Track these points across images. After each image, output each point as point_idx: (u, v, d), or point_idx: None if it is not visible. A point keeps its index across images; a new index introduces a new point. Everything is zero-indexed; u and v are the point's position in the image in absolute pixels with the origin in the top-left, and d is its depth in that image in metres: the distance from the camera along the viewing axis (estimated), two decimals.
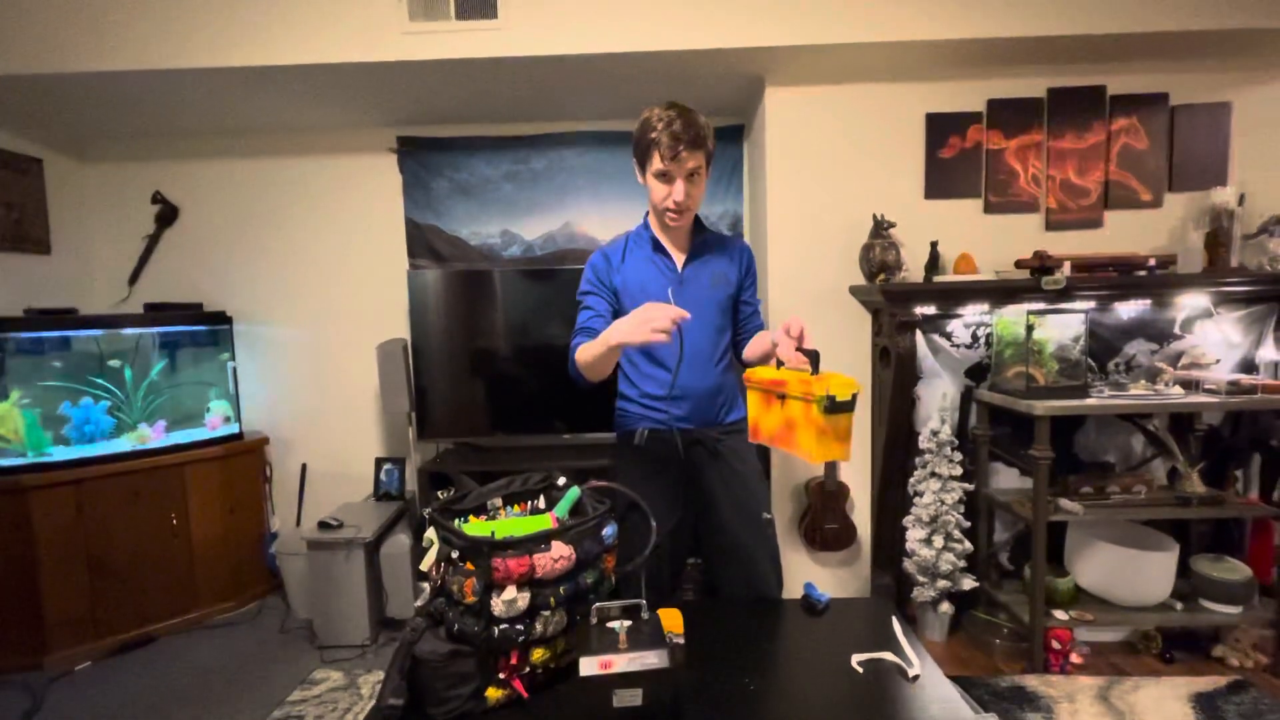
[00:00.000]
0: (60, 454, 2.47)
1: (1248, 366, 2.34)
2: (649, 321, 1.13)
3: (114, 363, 2.67)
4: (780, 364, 1.29)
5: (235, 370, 2.94)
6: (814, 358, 1.23)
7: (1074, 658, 2.13)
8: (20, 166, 2.74)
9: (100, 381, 2.64)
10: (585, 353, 1.34)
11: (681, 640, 1.17)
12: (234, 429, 2.89)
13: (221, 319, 2.92)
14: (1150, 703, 1.94)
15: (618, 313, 1.48)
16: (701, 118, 1.38)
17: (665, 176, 1.39)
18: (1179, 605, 2.17)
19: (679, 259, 1.51)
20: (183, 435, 2.77)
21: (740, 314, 1.57)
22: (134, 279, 3.03)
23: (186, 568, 2.67)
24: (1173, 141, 2.42)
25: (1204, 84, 2.41)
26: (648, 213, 1.54)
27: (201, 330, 2.91)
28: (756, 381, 1.31)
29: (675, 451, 1.48)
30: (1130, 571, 2.16)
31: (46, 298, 2.75)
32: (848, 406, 1.15)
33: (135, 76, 2.26)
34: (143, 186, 2.99)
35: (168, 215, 3.00)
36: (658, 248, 1.50)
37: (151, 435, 2.68)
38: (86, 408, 2.58)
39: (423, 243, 2.98)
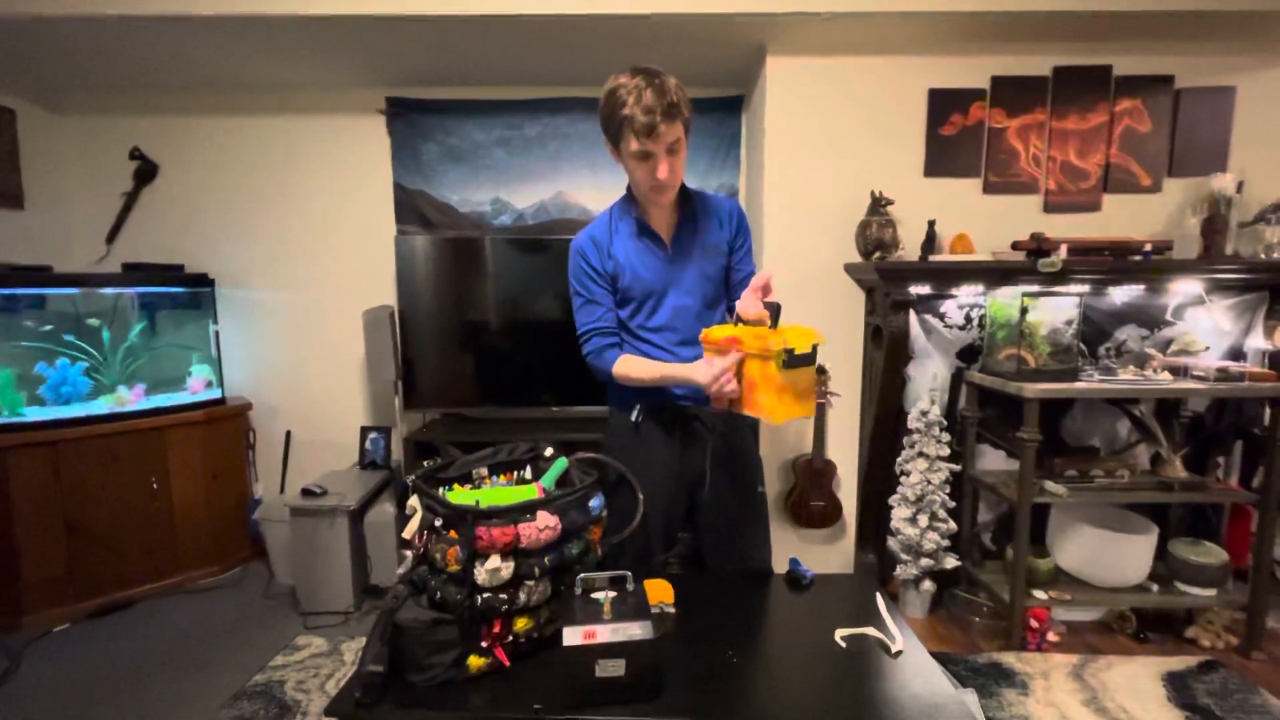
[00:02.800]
0: (35, 414, 2.42)
1: (1236, 354, 2.35)
2: (722, 389, 1.19)
3: (93, 321, 2.60)
4: (739, 320, 1.23)
5: (218, 334, 2.88)
6: (774, 311, 1.16)
7: (1051, 636, 2.17)
8: None
9: (77, 342, 2.57)
10: (639, 371, 1.38)
11: (673, 609, 1.17)
12: (216, 394, 2.84)
13: (203, 281, 2.85)
14: (1123, 680, 1.98)
15: (616, 296, 1.44)
16: (672, 80, 1.25)
17: (645, 156, 1.28)
18: (1155, 587, 2.21)
19: (667, 236, 1.42)
20: (163, 399, 2.72)
21: (731, 280, 1.47)
22: (111, 237, 2.94)
23: (168, 532, 2.64)
24: (1175, 125, 2.39)
25: (1209, 67, 2.37)
26: (629, 185, 1.43)
27: (182, 292, 2.83)
28: (713, 342, 1.24)
29: (672, 427, 1.45)
30: (1110, 554, 2.19)
31: (20, 254, 2.67)
32: (807, 360, 1.10)
33: (113, 23, 2.15)
34: (120, 141, 2.89)
35: (147, 172, 2.90)
36: (643, 228, 1.41)
37: (130, 398, 2.63)
38: (63, 368, 2.52)
39: (411, 208, 2.91)
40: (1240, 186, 2.27)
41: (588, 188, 2.90)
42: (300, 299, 2.99)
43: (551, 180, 2.90)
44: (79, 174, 2.92)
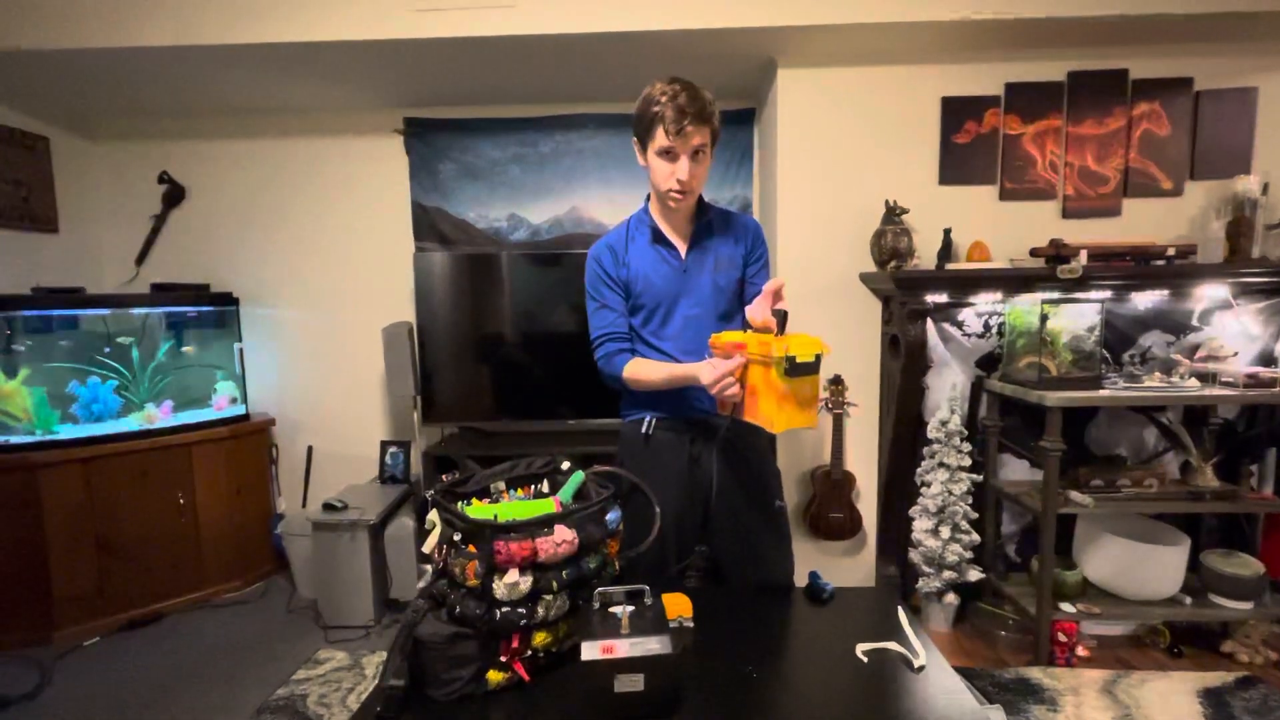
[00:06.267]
0: (68, 432, 2.48)
1: (1267, 359, 2.29)
2: (724, 391, 1.18)
3: (123, 340, 2.67)
4: (748, 326, 1.24)
5: (242, 352, 2.94)
6: (781, 317, 1.16)
7: (1080, 651, 2.12)
8: (27, 144, 2.73)
9: (108, 361, 2.65)
10: (647, 373, 1.39)
11: (691, 624, 1.16)
12: (240, 410, 2.90)
13: (228, 300, 2.92)
14: (1156, 697, 1.93)
15: (629, 304, 1.46)
16: (707, 93, 1.31)
17: (669, 154, 1.32)
18: (1188, 600, 2.14)
19: (681, 246, 1.44)
20: (189, 416, 2.78)
21: (746, 295, 1.47)
22: (141, 259, 3.03)
23: (194, 547, 2.69)
24: (1196, 128, 2.35)
25: (1229, 68, 2.34)
26: (648, 196, 1.47)
27: (208, 311, 2.90)
28: (720, 346, 1.25)
29: (683, 439, 1.45)
30: (1139, 565, 2.14)
31: (54, 276, 2.76)
32: (810, 368, 1.09)
33: (142, 53, 2.24)
34: (149, 166, 2.98)
35: (175, 195, 2.99)
36: (658, 236, 1.44)
37: (159, 415, 2.69)
38: (94, 387, 2.59)
39: (429, 225, 2.96)
40: (1265, 188, 2.22)
41: (601, 202, 2.93)
42: (321, 316, 3.05)
43: (566, 195, 2.94)
44: (110, 198, 3.02)
